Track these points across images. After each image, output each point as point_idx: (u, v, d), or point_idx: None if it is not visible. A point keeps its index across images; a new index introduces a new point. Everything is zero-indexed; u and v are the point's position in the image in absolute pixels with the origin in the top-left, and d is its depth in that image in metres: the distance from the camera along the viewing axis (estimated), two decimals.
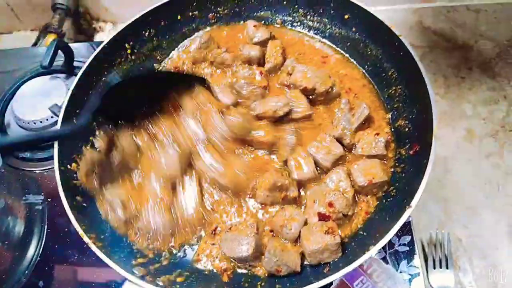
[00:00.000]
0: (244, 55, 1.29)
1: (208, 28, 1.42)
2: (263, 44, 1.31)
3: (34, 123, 1.42)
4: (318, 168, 1.09)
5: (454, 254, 1.24)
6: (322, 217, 0.99)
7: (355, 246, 0.96)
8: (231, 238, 0.98)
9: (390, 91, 1.18)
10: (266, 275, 0.97)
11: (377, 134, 1.10)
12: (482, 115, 1.49)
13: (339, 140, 1.11)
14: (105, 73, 1.24)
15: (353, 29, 1.27)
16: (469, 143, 1.44)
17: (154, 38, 1.35)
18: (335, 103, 1.20)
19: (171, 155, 1.06)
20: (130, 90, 1.06)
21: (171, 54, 1.39)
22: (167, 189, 1.04)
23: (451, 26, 1.70)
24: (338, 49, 1.33)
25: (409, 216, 1.15)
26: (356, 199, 1.06)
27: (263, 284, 0.96)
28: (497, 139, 1.43)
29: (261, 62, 1.30)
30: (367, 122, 1.15)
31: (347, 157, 1.11)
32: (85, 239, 0.92)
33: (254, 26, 1.32)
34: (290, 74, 1.22)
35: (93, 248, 0.91)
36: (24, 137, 1.09)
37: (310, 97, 1.19)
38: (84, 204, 1.05)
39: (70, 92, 1.14)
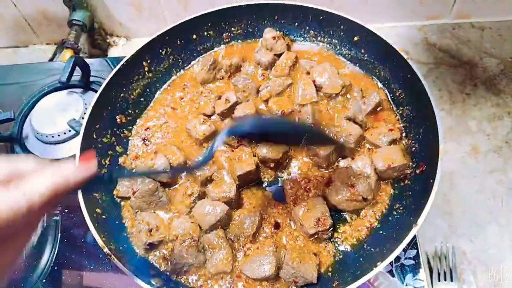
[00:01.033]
0: (255, 58, 1.36)
1: (222, 46, 1.47)
2: (278, 54, 1.38)
3: (52, 136, 1.46)
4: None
5: (459, 267, 1.26)
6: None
7: (363, 261, 0.99)
8: (251, 260, 1.03)
9: (398, 111, 1.22)
10: None
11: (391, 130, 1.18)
12: (486, 131, 1.52)
13: (353, 121, 1.19)
14: (124, 89, 1.30)
15: (362, 51, 1.32)
16: (474, 159, 1.47)
17: (171, 56, 1.40)
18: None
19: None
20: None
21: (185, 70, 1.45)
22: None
23: (456, 43, 1.74)
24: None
25: None
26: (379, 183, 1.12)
27: None
28: (501, 155, 1.46)
29: (268, 69, 1.37)
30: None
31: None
32: (106, 250, 0.96)
33: (273, 37, 1.37)
34: (308, 73, 1.30)
35: (113, 259, 0.95)
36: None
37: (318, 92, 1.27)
38: (104, 217, 1.09)
39: (91, 107, 1.19)
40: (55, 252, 1.31)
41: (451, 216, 1.36)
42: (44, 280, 1.26)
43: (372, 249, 1.02)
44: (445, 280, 1.21)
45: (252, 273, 1.01)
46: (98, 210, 1.08)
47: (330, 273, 1.03)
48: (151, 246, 1.08)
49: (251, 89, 1.30)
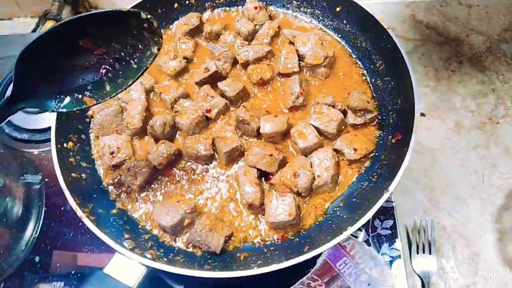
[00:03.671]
0: (236, 27, 1.36)
1: (204, 15, 1.45)
2: (260, 25, 1.37)
3: None
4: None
5: (438, 241, 1.27)
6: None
7: (335, 227, 1.00)
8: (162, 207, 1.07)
9: (378, 82, 1.22)
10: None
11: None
12: (470, 107, 1.52)
13: (332, 106, 1.18)
14: None
15: (344, 22, 1.31)
16: (457, 135, 1.47)
17: None
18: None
19: None
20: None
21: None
22: None
23: (443, 20, 1.73)
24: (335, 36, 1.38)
25: (392, 202, 1.22)
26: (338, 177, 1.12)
27: (242, 258, 1.02)
28: (485, 131, 1.47)
29: (249, 39, 1.36)
30: None
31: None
32: (79, 213, 0.97)
33: (255, 7, 1.36)
34: (292, 43, 1.29)
35: (86, 221, 0.95)
36: None
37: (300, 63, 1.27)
38: (79, 181, 1.10)
39: None
40: (40, 222, 1.32)
41: (432, 190, 1.37)
42: (29, 250, 1.27)
43: (345, 216, 1.02)
44: (423, 252, 1.22)
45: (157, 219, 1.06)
46: (73, 174, 1.08)
47: (300, 239, 1.05)
48: (115, 168, 1.15)
49: (226, 57, 1.29)
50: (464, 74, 1.59)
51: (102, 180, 1.16)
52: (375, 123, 1.18)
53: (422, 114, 1.51)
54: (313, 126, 1.14)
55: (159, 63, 1.31)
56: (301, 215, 1.06)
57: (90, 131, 1.22)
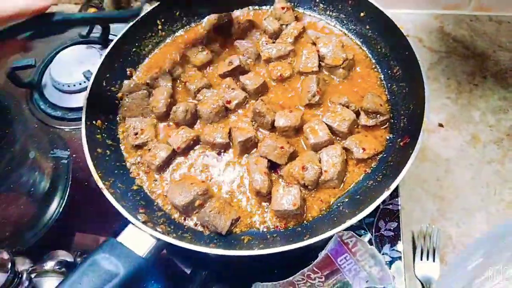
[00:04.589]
0: (262, 25, 1.42)
1: (236, 12, 1.50)
2: (285, 25, 1.43)
3: (68, 86, 1.55)
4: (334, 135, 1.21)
5: (442, 250, 1.28)
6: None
7: (336, 220, 1.05)
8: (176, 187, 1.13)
9: (393, 87, 1.26)
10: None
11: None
12: (489, 122, 1.53)
13: (346, 106, 1.22)
14: (136, 44, 1.37)
15: (367, 27, 1.35)
16: (473, 148, 1.48)
17: (184, 18, 1.47)
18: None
19: None
20: None
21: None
22: None
23: (471, 35, 1.74)
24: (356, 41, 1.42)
25: (398, 205, 1.25)
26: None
27: (245, 241, 1.08)
28: (501, 147, 1.47)
29: (273, 37, 1.42)
30: None
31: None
32: (100, 184, 1.04)
33: (282, 7, 1.42)
34: (314, 44, 1.34)
35: (105, 192, 1.03)
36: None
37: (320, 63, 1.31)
38: (103, 156, 1.18)
39: (103, 56, 1.28)
40: (65, 197, 1.40)
41: (441, 200, 1.38)
42: (55, 223, 1.35)
43: (347, 211, 1.07)
44: (427, 259, 1.24)
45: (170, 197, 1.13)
46: (99, 150, 1.17)
47: (302, 229, 1.10)
48: (138, 148, 1.24)
49: (250, 53, 1.36)
50: (486, 89, 1.60)
51: (125, 158, 1.24)
52: (386, 125, 1.21)
53: (440, 125, 1.53)
54: (326, 124, 1.18)
55: (187, 54, 1.38)
56: (305, 207, 1.11)
57: (118, 112, 1.31)
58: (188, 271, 1.23)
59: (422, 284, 1.22)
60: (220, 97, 1.26)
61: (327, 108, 1.24)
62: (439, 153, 1.48)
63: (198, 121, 1.28)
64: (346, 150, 1.17)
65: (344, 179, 1.15)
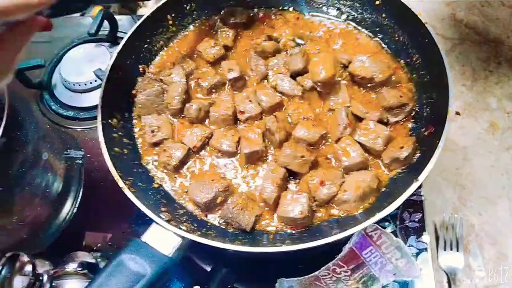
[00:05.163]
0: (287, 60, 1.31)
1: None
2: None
3: (79, 85, 1.53)
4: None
5: (465, 239, 1.27)
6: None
7: (364, 215, 1.03)
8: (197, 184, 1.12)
9: (414, 75, 1.23)
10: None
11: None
12: (507, 109, 1.51)
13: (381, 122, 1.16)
14: (147, 40, 1.35)
15: (383, 15, 1.32)
16: (491, 135, 1.46)
17: (195, 12, 1.43)
18: None
19: None
20: None
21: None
22: None
23: (483, 21, 1.72)
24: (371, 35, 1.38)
25: (421, 196, 1.23)
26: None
27: (271, 237, 1.06)
28: None
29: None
30: None
31: None
32: (120, 183, 1.02)
33: None
34: (346, 67, 1.25)
35: (127, 192, 1.01)
36: None
37: (368, 84, 1.23)
38: (123, 157, 1.16)
39: (115, 53, 1.24)
40: (79, 197, 1.39)
41: (462, 188, 1.37)
42: (67, 223, 1.35)
43: (375, 205, 1.05)
44: (451, 249, 1.23)
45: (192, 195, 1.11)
46: (116, 149, 1.14)
47: (329, 223, 1.08)
48: (155, 145, 1.22)
49: (258, 72, 1.31)
50: (502, 75, 1.58)
51: (142, 157, 1.22)
52: (412, 115, 1.18)
53: (457, 113, 1.51)
54: (359, 142, 1.12)
55: (199, 50, 1.35)
56: (313, 218, 1.08)
57: (133, 109, 1.29)
58: (208, 269, 1.21)
59: (447, 274, 1.20)
60: (233, 105, 1.22)
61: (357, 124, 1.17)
62: (457, 142, 1.46)
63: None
64: None
65: (363, 207, 1.08)
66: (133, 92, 1.28)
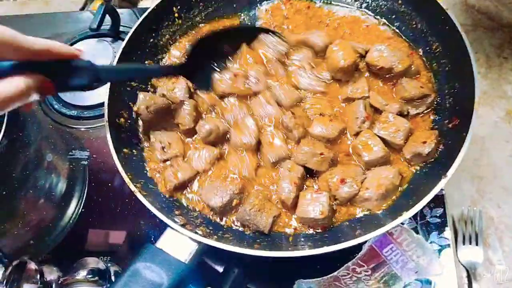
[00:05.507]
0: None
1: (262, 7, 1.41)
2: None
3: None
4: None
5: (485, 232, 1.24)
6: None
7: (387, 213, 0.99)
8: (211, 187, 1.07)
9: (434, 65, 1.18)
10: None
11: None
12: None
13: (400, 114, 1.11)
14: (153, 34, 1.30)
15: (399, 1, 1.27)
16: (508, 124, 1.42)
17: (201, 3, 1.38)
18: None
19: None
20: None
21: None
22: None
23: (496, 5, 1.66)
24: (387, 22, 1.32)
25: (442, 190, 1.19)
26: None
27: (291, 239, 1.02)
28: None
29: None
30: None
31: None
32: (132, 187, 0.98)
33: None
34: (363, 56, 1.19)
35: (139, 195, 0.96)
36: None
37: (387, 75, 1.18)
38: (133, 158, 1.12)
39: (120, 49, 1.19)
40: (83, 199, 1.35)
41: (480, 180, 1.33)
42: (72, 225, 1.30)
43: (398, 202, 1.00)
44: (470, 243, 1.19)
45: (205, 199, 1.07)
46: (125, 150, 1.10)
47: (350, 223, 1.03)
48: (165, 161, 1.14)
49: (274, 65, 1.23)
50: None
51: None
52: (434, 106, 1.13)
53: None
54: (379, 136, 1.07)
55: None
56: (333, 217, 1.03)
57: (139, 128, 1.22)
58: (221, 270, 1.17)
59: (466, 270, 1.17)
60: (258, 130, 1.12)
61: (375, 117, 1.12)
62: (473, 131, 1.41)
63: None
64: None
65: (386, 205, 1.03)
66: (135, 109, 1.19)
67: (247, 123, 1.11)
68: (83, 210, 1.33)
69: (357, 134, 1.10)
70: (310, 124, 1.11)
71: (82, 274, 1.09)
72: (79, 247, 1.27)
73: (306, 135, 1.10)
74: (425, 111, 1.13)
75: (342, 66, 1.13)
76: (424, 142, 1.03)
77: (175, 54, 1.35)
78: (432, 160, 1.04)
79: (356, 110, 1.11)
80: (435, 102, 1.13)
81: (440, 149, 1.04)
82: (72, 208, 1.34)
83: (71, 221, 1.32)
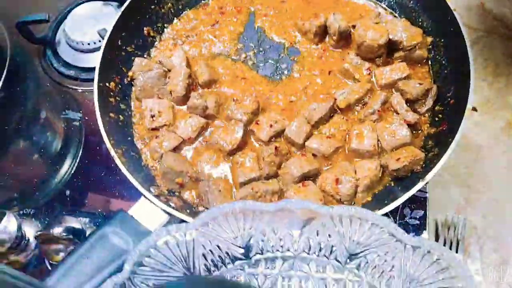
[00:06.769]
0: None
1: None
2: None
3: (82, 44, 1.47)
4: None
5: (466, 240, 1.22)
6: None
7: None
8: None
9: (434, 67, 1.17)
10: None
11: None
12: None
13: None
14: (155, 1, 1.29)
15: None
16: (507, 135, 1.39)
17: None
18: None
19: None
20: None
21: None
22: None
23: None
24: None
25: (426, 193, 1.18)
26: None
27: None
28: None
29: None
30: None
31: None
32: (112, 152, 0.98)
33: None
34: None
35: (117, 161, 0.96)
36: None
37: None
38: (118, 123, 1.11)
39: (119, 12, 1.20)
40: (77, 159, 1.35)
41: (470, 189, 1.32)
42: (63, 184, 1.31)
43: (375, 201, 1.01)
44: (450, 250, 1.18)
45: None
46: (111, 114, 1.10)
47: None
48: (154, 130, 1.14)
49: None
50: None
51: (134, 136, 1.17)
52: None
53: (474, 109, 1.43)
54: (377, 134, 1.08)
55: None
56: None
57: (132, 93, 1.22)
58: None
59: None
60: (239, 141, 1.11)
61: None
62: (470, 139, 1.39)
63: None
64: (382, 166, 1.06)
65: (371, 195, 1.04)
66: (130, 74, 1.19)
67: (236, 131, 1.09)
68: (76, 170, 1.33)
69: (362, 121, 1.11)
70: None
71: (57, 230, 1.10)
72: (65, 206, 1.27)
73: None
74: (434, 106, 1.12)
75: (381, 43, 1.12)
76: (398, 159, 1.01)
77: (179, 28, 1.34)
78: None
79: (374, 101, 1.12)
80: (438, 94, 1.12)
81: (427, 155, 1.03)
82: (66, 167, 1.34)
83: (63, 179, 1.32)
